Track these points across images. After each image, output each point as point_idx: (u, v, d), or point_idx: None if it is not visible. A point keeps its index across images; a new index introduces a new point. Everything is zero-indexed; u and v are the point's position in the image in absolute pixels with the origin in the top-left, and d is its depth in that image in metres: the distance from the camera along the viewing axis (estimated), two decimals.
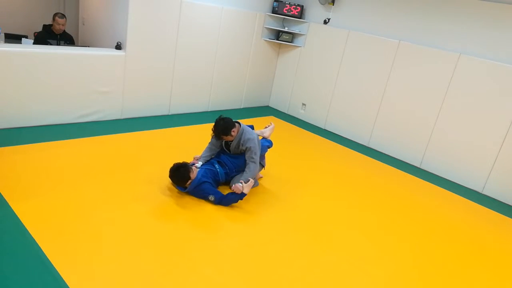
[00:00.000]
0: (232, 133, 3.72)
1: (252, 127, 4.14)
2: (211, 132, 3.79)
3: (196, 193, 3.59)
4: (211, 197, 3.53)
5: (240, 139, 3.78)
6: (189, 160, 3.93)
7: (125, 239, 2.88)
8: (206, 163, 3.85)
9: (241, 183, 3.52)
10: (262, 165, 4.10)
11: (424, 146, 5.55)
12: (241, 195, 3.52)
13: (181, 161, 3.62)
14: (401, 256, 3.37)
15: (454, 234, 3.92)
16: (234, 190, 3.52)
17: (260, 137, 4.17)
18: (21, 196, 3.14)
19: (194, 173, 3.56)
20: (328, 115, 6.60)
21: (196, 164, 3.76)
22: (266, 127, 4.36)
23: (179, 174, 3.51)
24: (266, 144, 4.17)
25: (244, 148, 3.78)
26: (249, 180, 3.54)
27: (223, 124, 3.70)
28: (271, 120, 6.46)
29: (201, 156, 3.90)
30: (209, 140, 3.95)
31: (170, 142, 4.84)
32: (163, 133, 5.11)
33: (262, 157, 4.04)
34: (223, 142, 3.92)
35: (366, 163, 5.44)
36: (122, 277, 2.52)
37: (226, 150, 3.94)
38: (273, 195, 4.00)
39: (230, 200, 3.54)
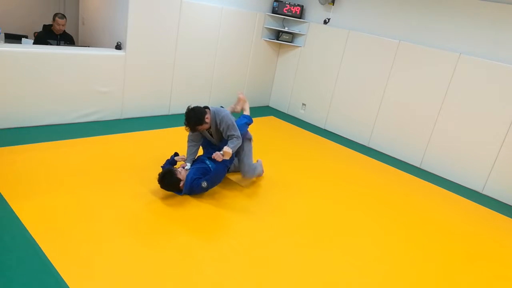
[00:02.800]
0: (207, 120, 3.58)
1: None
2: (185, 128, 3.60)
3: (193, 192, 3.59)
4: (204, 183, 3.52)
5: (215, 121, 3.65)
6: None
7: (125, 239, 2.88)
8: (195, 162, 3.79)
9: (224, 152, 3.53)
10: (249, 138, 4.01)
11: (424, 146, 5.55)
12: (224, 164, 3.56)
13: (162, 170, 3.57)
14: (401, 256, 3.37)
15: (454, 234, 3.92)
16: (215, 158, 3.50)
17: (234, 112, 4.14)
18: (21, 196, 3.14)
19: (182, 174, 3.52)
20: (328, 115, 6.60)
21: (186, 167, 3.69)
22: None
23: (167, 182, 3.46)
24: (245, 121, 4.05)
25: (221, 128, 3.66)
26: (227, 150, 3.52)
27: (195, 115, 3.52)
28: (271, 120, 6.47)
29: (186, 157, 3.81)
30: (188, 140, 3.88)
31: (170, 142, 4.84)
32: (163, 133, 5.11)
33: (245, 133, 3.97)
34: (202, 132, 3.80)
35: (366, 163, 5.44)
36: (122, 277, 2.52)
37: (210, 138, 3.84)
38: (272, 195, 4.00)
39: (217, 173, 3.56)
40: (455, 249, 3.65)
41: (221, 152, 3.51)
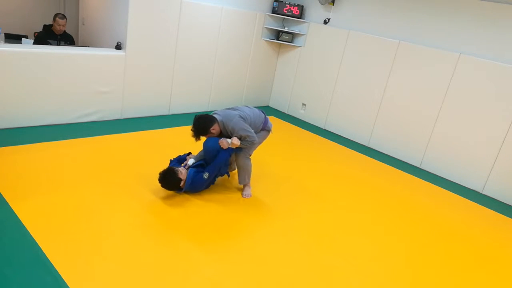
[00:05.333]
0: (212, 131, 3.54)
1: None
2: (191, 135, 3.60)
3: (194, 187, 3.58)
4: (206, 175, 3.52)
5: (226, 130, 3.61)
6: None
7: (125, 239, 2.88)
8: (199, 160, 3.75)
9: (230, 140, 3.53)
10: (268, 130, 3.91)
11: (424, 146, 5.55)
12: (227, 152, 3.54)
13: (164, 168, 3.53)
14: (401, 256, 3.37)
15: (454, 234, 3.91)
16: (220, 144, 3.51)
17: None
18: (21, 196, 3.14)
19: (183, 173, 3.49)
20: (328, 115, 6.60)
21: (188, 162, 3.68)
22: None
23: (168, 181, 3.43)
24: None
25: (237, 135, 3.59)
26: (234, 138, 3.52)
27: (201, 125, 3.52)
28: (270, 120, 6.45)
29: (197, 154, 3.80)
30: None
31: (170, 142, 4.84)
32: (163, 133, 5.11)
33: (266, 121, 3.89)
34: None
35: (366, 163, 5.44)
36: (122, 277, 2.52)
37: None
38: (272, 195, 3.99)
39: (218, 161, 3.53)
40: (455, 249, 3.65)
41: (229, 141, 3.50)
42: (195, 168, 3.63)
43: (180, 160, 3.84)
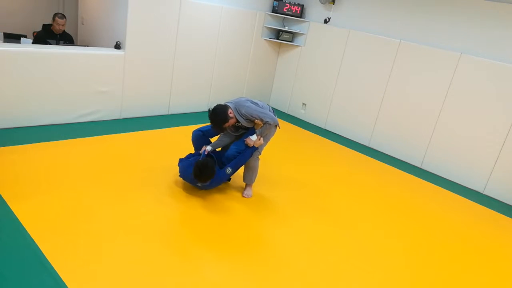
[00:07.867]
0: (230, 115, 3.52)
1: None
2: (213, 130, 3.65)
3: (212, 184, 3.60)
4: (228, 170, 3.58)
5: (241, 114, 3.56)
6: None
7: (124, 239, 2.86)
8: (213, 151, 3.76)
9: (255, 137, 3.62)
10: (275, 125, 3.82)
11: (425, 146, 5.53)
12: (252, 150, 3.62)
13: (203, 160, 3.50)
14: (402, 256, 3.35)
15: (455, 235, 3.90)
16: (247, 142, 3.60)
17: None
18: (20, 196, 3.13)
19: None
20: (329, 115, 6.58)
21: (207, 148, 3.68)
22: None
23: (205, 173, 3.40)
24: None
25: (254, 120, 3.60)
26: (258, 136, 3.61)
27: (218, 114, 3.48)
28: None
29: (213, 142, 3.79)
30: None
31: (170, 142, 4.82)
32: (163, 133, 5.09)
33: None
34: (234, 128, 3.75)
35: (367, 163, 5.42)
36: (121, 277, 2.50)
37: (235, 134, 3.78)
38: (273, 196, 3.98)
39: (243, 158, 3.61)
40: (456, 249, 3.63)
41: (253, 138, 3.58)
42: (210, 158, 3.64)
43: (189, 157, 3.79)
